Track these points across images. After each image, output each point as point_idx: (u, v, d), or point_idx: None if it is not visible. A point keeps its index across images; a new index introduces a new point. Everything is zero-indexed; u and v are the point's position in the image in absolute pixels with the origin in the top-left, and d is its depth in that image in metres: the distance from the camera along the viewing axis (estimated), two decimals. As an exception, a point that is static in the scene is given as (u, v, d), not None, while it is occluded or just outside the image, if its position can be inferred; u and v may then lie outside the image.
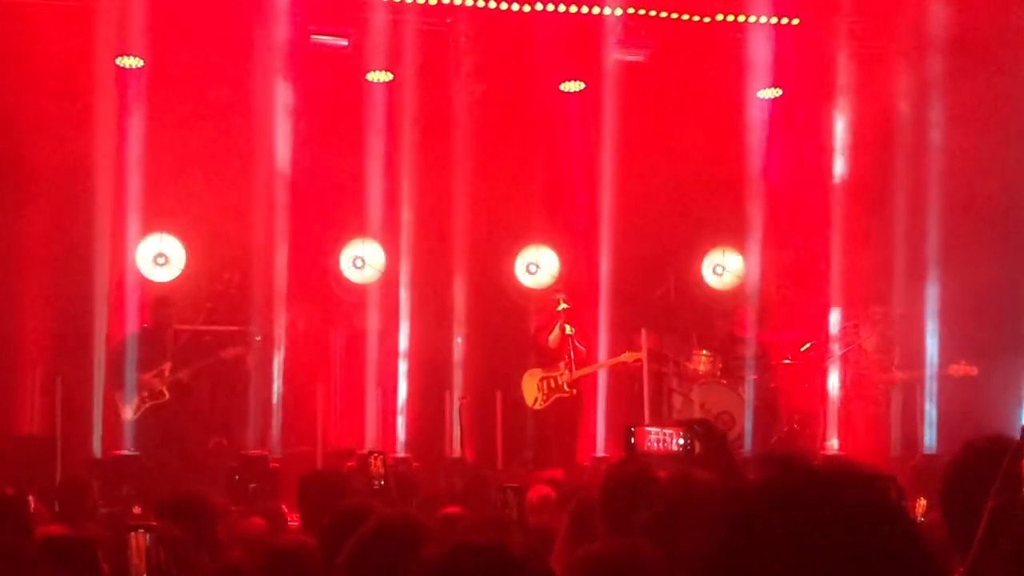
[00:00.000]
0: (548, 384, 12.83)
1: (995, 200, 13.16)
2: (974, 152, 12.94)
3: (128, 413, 12.22)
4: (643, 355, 12.93)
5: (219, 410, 12.84)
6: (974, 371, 12.65)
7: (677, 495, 4.05)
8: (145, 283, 12.89)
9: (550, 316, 12.97)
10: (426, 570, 2.36)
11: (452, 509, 6.62)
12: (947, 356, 12.91)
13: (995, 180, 13.06)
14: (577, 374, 12.81)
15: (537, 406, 12.86)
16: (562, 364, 12.82)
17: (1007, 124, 13.11)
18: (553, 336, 12.82)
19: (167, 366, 12.29)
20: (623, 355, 12.97)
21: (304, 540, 4.90)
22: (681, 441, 5.06)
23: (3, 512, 5.62)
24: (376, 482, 6.80)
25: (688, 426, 5.17)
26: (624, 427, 5.36)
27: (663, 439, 5.14)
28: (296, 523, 7.19)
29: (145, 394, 12.21)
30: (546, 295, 13.22)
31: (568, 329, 12.85)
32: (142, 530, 3.23)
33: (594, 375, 13.14)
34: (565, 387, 12.79)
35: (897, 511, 1.60)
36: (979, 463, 3.27)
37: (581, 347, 12.91)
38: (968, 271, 12.79)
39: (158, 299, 12.61)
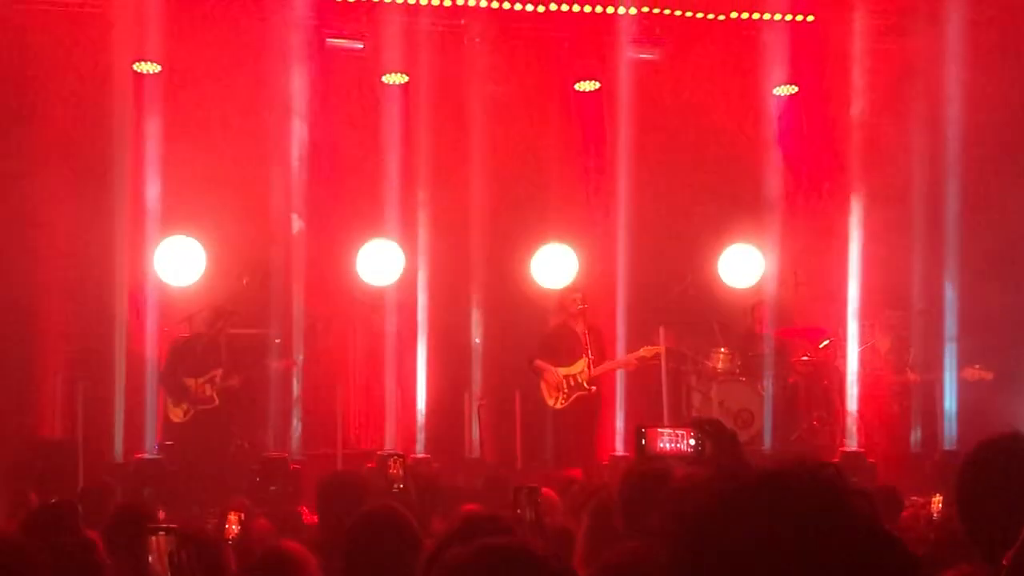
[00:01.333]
0: (568, 383, 12.80)
1: (1016, 197, 13.13)
2: (995, 149, 12.91)
3: (177, 416, 12.34)
4: (661, 349, 12.90)
5: (240, 413, 12.87)
6: (989, 376, 12.60)
7: (686, 497, 4.06)
8: (164, 288, 12.95)
9: (567, 316, 12.95)
10: (448, 570, 2.38)
11: (470, 507, 6.62)
12: (964, 358, 12.87)
13: (1018, 176, 13.04)
14: (597, 371, 12.79)
15: (558, 405, 12.82)
16: (581, 362, 12.80)
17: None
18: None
19: (219, 372, 12.40)
20: (641, 350, 12.96)
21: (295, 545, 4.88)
22: (692, 441, 5.07)
23: (56, 518, 5.68)
24: (395, 485, 6.81)
25: (699, 426, 5.17)
26: (635, 428, 5.36)
27: (674, 439, 5.14)
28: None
29: (194, 398, 12.32)
30: (564, 295, 13.21)
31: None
32: (162, 532, 3.22)
33: (613, 372, 13.11)
34: (585, 384, 12.77)
35: (840, 499, 1.61)
36: (994, 460, 3.28)
37: (589, 350, 12.88)
38: (987, 269, 12.77)
39: (218, 308, 12.67)
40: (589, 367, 12.75)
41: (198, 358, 12.43)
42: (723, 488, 1.63)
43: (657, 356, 12.96)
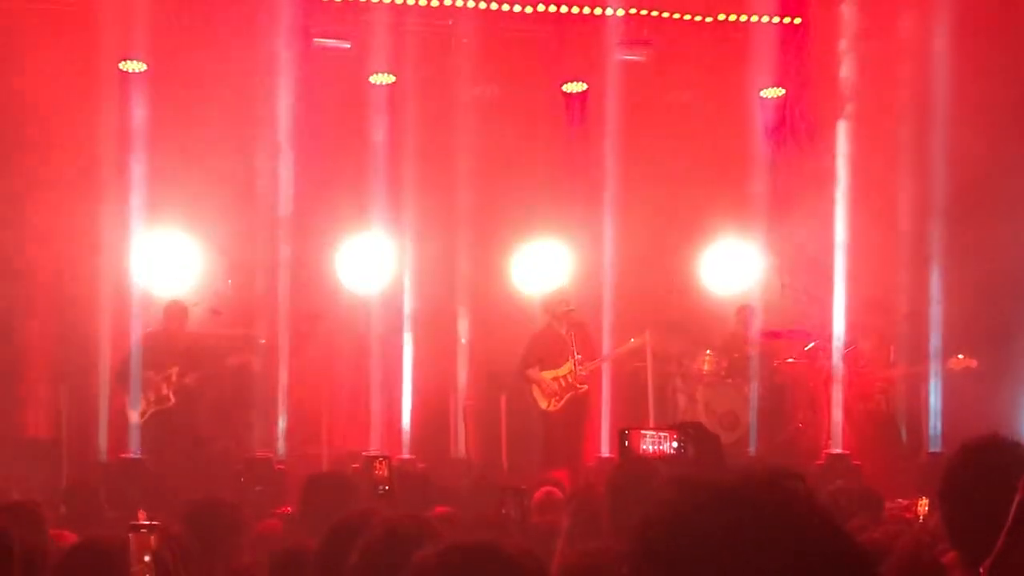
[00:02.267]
0: (560, 384, 12.78)
1: (1001, 195, 13.17)
2: (981, 147, 12.94)
3: (134, 417, 12.24)
4: (647, 339, 12.88)
5: (225, 412, 12.83)
6: (974, 363, 12.61)
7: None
8: (149, 287, 12.90)
9: (551, 318, 12.95)
10: (416, 571, 2.37)
11: (442, 509, 6.61)
12: (950, 351, 12.89)
13: (1002, 173, 13.07)
14: (586, 369, 12.76)
15: (551, 408, 12.79)
16: (568, 363, 12.78)
17: (1014, 120, 13.11)
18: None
19: (174, 371, 12.27)
20: (631, 340, 12.95)
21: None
22: (675, 444, 5.09)
23: (19, 517, 5.65)
24: (380, 487, 6.80)
25: (682, 429, 5.20)
26: (619, 431, 5.39)
27: (657, 442, 5.17)
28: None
29: (151, 398, 12.22)
30: (548, 297, 13.20)
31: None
32: (144, 530, 3.18)
33: (600, 372, 13.08)
34: (576, 385, 12.74)
35: (800, 511, 1.59)
36: (976, 462, 3.28)
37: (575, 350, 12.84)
38: (972, 265, 12.80)
39: (175, 304, 12.59)
40: (576, 367, 12.74)
41: (155, 356, 12.31)
42: (680, 500, 1.62)
43: (643, 348, 12.92)
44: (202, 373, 12.34)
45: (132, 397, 12.21)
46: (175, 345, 12.40)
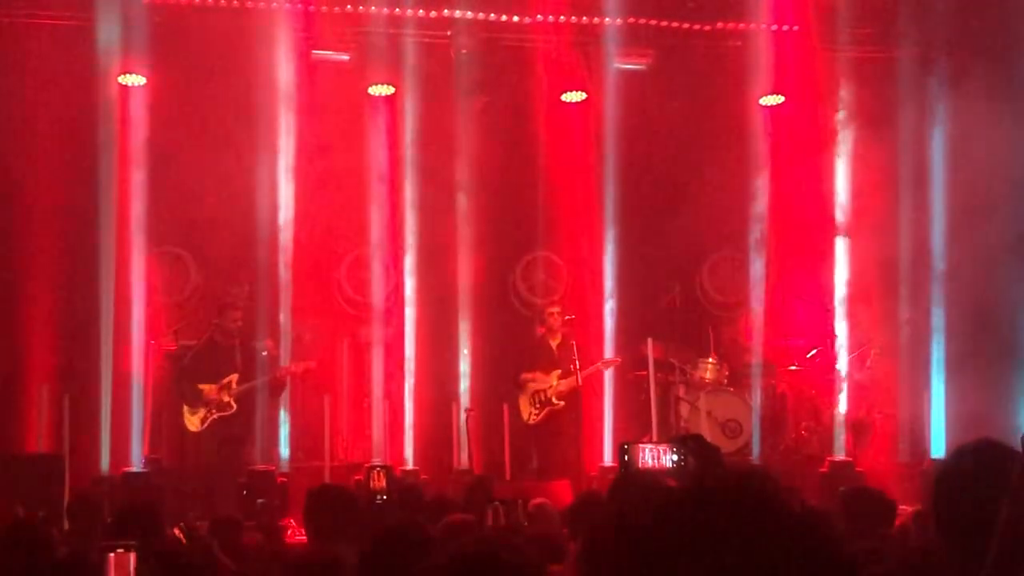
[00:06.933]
0: (539, 398, 12.80)
1: (1002, 200, 13.16)
2: (980, 150, 12.95)
3: (194, 425, 12.28)
4: (615, 360, 12.87)
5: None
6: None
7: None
8: (151, 300, 12.92)
9: (545, 329, 12.94)
10: None
11: (456, 516, 6.61)
12: (952, 358, 12.87)
13: (1001, 180, 13.07)
14: (561, 387, 12.74)
15: (531, 420, 12.84)
16: (553, 375, 12.77)
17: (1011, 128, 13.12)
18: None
19: (234, 377, 12.34)
20: (599, 363, 12.96)
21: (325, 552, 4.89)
22: (675, 457, 5.08)
23: (22, 536, 5.65)
24: (378, 496, 6.81)
25: (681, 442, 5.19)
26: (619, 444, 5.39)
27: (657, 455, 5.16)
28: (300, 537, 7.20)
29: (212, 406, 12.26)
30: (543, 308, 13.19)
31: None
32: (121, 550, 3.17)
33: (588, 384, 12.99)
34: (554, 399, 12.74)
35: (770, 507, 1.62)
36: (968, 469, 3.26)
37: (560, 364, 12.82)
38: (975, 273, 12.80)
39: (222, 306, 12.60)
40: (557, 381, 12.74)
41: (211, 365, 12.35)
42: (658, 504, 1.64)
43: (608, 364, 12.91)
44: (262, 380, 12.41)
45: (190, 403, 12.23)
46: (232, 352, 12.40)
